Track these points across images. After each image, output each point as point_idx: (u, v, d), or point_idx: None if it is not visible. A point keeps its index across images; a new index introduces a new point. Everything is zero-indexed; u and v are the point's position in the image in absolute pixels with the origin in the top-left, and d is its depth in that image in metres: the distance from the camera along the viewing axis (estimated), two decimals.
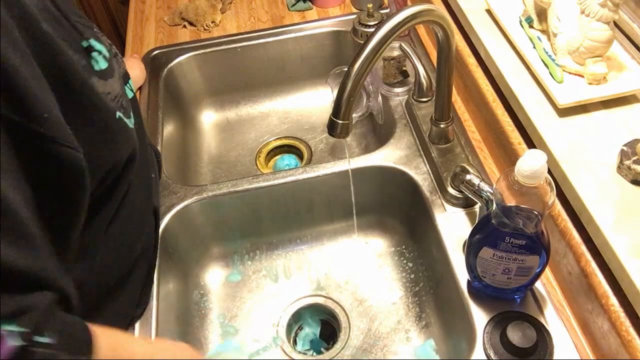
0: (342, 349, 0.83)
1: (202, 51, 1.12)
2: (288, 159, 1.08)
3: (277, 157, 1.11)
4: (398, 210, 0.91)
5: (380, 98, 0.99)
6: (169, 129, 1.00)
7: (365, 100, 1.07)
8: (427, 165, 0.84)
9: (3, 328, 0.41)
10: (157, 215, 0.78)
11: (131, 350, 0.57)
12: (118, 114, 0.56)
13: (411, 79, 0.97)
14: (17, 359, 0.42)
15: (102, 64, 0.56)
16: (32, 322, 0.44)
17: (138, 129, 0.64)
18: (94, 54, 0.55)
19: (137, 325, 0.72)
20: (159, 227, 0.79)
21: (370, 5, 1.03)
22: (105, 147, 0.54)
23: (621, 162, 0.63)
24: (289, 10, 1.20)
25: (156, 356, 0.60)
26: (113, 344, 0.53)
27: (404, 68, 0.97)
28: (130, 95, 0.66)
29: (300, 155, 1.10)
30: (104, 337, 0.51)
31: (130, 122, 0.60)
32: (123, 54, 1.15)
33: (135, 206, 0.63)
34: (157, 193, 0.80)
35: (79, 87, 0.50)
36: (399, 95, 0.96)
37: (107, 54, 0.58)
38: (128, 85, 0.67)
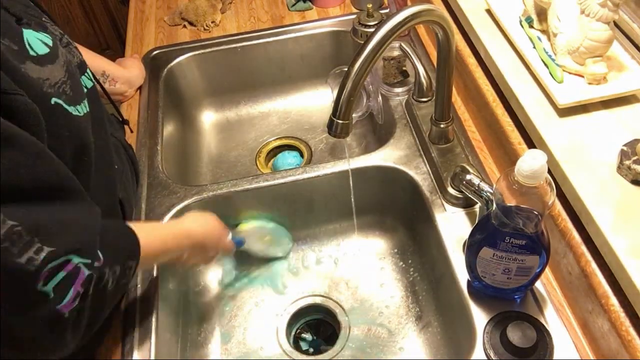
0: (342, 349, 0.83)
1: (202, 51, 1.12)
2: (290, 156, 1.08)
3: (279, 153, 1.11)
4: (398, 210, 0.91)
5: (380, 98, 0.99)
6: (168, 129, 1.00)
7: (365, 100, 1.07)
8: (427, 165, 0.84)
9: (73, 262, 0.49)
10: (123, 207, 0.78)
11: (166, 235, 0.69)
12: (54, 99, 0.57)
13: (411, 79, 0.97)
14: (87, 285, 0.50)
15: (39, 50, 0.57)
16: (93, 249, 0.52)
17: (94, 118, 0.65)
18: (31, 40, 0.57)
19: (137, 325, 0.72)
20: (128, 219, 0.79)
21: (369, 6, 1.03)
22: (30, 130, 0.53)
23: (621, 162, 0.63)
24: (289, 10, 1.20)
25: (192, 231, 0.72)
26: (151, 238, 0.64)
27: (404, 68, 0.97)
28: (88, 84, 0.68)
29: (300, 155, 1.10)
30: (142, 234, 0.61)
31: (75, 110, 0.61)
32: (123, 54, 1.15)
33: (95, 197, 0.61)
34: (126, 185, 0.81)
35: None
36: (399, 95, 0.96)
37: (49, 42, 0.59)
38: (86, 74, 0.69)
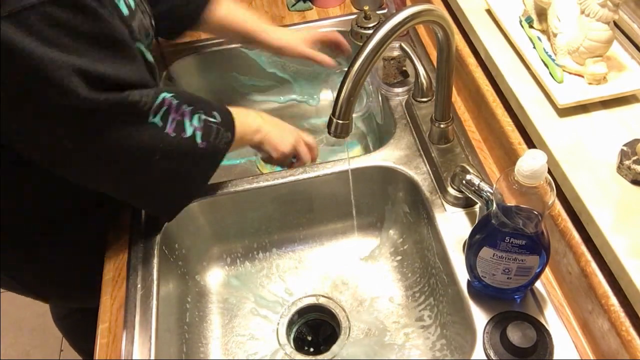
0: (342, 348, 0.83)
1: (202, 51, 1.12)
2: None
3: None
4: (398, 210, 0.91)
5: (380, 98, 0.99)
6: None
7: (365, 100, 1.07)
8: (427, 165, 0.84)
9: (166, 96, 0.69)
10: None
11: (250, 123, 0.83)
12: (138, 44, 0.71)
13: (411, 79, 0.97)
14: (204, 129, 0.73)
15: (124, 11, 0.68)
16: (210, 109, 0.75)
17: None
18: (119, 2, 0.68)
19: (137, 325, 0.72)
20: None
21: (366, 8, 1.03)
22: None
23: (621, 162, 0.63)
24: (289, 10, 1.20)
25: (268, 125, 0.86)
26: (239, 122, 0.79)
27: (403, 68, 0.97)
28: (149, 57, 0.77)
29: None
30: (237, 120, 0.79)
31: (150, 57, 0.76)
32: None
33: None
34: None
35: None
36: (398, 95, 0.96)
37: (132, 4, 0.72)
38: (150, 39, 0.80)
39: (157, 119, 0.68)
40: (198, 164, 0.75)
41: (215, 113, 0.75)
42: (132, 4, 0.72)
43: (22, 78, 0.56)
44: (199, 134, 0.72)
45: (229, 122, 0.77)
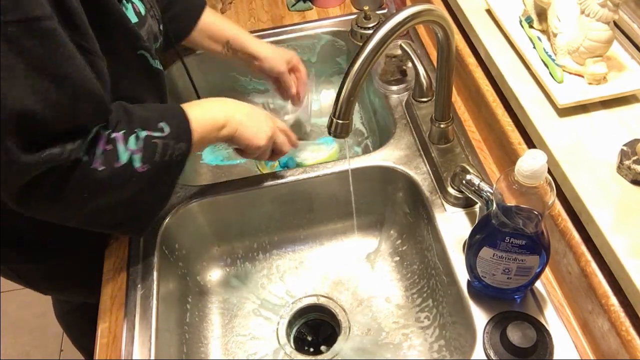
0: (342, 348, 0.83)
1: (202, 52, 1.12)
2: (291, 151, 1.08)
3: None
4: (398, 210, 0.91)
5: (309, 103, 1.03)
6: None
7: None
8: (427, 165, 0.84)
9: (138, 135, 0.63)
10: None
11: (215, 117, 0.73)
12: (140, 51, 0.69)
13: (409, 78, 0.97)
14: (145, 149, 0.63)
15: (132, 19, 0.67)
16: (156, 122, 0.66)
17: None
18: (127, 9, 0.67)
19: (137, 325, 0.72)
20: None
21: (366, 8, 1.03)
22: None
23: (621, 162, 0.63)
24: (289, 10, 1.20)
25: (238, 115, 0.76)
26: (200, 122, 0.70)
27: (403, 67, 0.97)
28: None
29: None
30: (192, 116, 0.69)
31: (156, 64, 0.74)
32: None
33: None
34: None
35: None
36: (393, 93, 0.97)
37: (142, 10, 0.71)
38: (159, 43, 0.81)
39: (81, 155, 0.60)
40: (144, 188, 0.67)
41: (162, 125, 0.66)
42: (143, 10, 0.71)
43: None
44: (136, 157, 0.63)
45: (181, 130, 0.68)
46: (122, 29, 0.64)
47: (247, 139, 0.77)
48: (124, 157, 0.62)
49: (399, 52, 0.94)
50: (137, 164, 0.63)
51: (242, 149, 0.80)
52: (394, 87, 0.97)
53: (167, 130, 0.66)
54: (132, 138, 0.63)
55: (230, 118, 0.75)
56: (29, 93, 0.52)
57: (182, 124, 0.68)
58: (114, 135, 0.62)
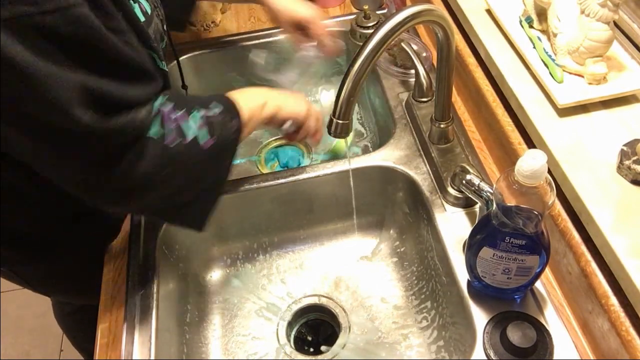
0: (342, 349, 0.83)
1: (202, 51, 1.12)
2: (292, 152, 1.08)
3: (278, 148, 1.11)
4: (398, 210, 0.91)
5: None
6: None
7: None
8: (427, 165, 0.84)
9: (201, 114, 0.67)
10: None
11: (254, 98, 0.77)
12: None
13: (410, 71, 0.97)
14: (207, 126, 0.67)
15: (140, 17, 0.67)
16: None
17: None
18: (135, 9, 0.66)
19: (137, 325, 0.72)
20: None
21: (366, 7, 1.03)
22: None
23: (621, 162, 0.63)
24: None
25: (273, 93, 0.81)
26: (244, 102, 0.74)
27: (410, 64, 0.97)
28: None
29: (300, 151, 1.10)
30: (234, 98, 0.74)
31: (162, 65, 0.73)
32: None
33: None
34: None
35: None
36: (392, 75, 0.99)
37: (148, 10, 0.70)
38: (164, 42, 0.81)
39: (154, 132, 0.63)
40: (209, 165, 0.70)
41: (213, 104, 0.70)
42: (149, 9, 0.71)
43: (19, 93, 0.52)
44: (201, 134, 0.67)
45: (231, 108, 0.72)
46: (134, 28, 0.64)
47: (291, 109, 0.81)
48: (190, 133, 0.66)
49: (415, 47, 0.95)
50: (202, 140, 0.67)
51: (291, 127, 0.83)
52: (395, 69, 0.97)
53: (219, 108, 0.70)
54: (192, 116, 0.67)
55: (268, 97, 0.79)
56: (84, 73, 0.55)
57: (230, 103, 0.72)
58: (176, 114, 0.66)
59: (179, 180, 0.68)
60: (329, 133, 0.64)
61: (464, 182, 0.74)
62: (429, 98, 0.90)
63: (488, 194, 0.69)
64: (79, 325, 1.21)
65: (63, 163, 0.61)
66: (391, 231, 0.94)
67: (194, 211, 0.75)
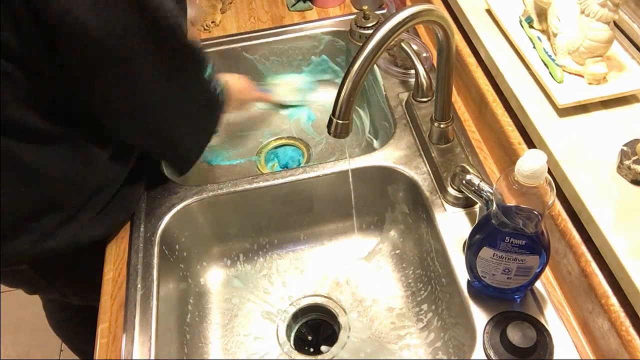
0: (342, 349, 0.83)
1: None
2: (292, 152, 1.08)
3: (278, 148, 1.11)
4: (398, 211, 0.91)
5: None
6: None
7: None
8: (427, 165, 0.84)
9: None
10: None
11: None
12: None
13: (410, 71, 0.97)
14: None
15: None
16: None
17: None
18: None
19: (137, 325, 0.72)
20: None
21: (365, 7, 1.03)
22: None
23: (621, 162, 0.63)
24: (289, 10, 1.20)
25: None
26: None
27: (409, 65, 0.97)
28: None
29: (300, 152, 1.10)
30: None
31: None
32: None
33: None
34: None
35: None
36: (392, 76, 0.99)
37: None
38: None
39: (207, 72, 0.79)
40: (215, 111, 0.84)
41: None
42: None
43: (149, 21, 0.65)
44: (215, 84, 0.82)
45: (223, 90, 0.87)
46: None
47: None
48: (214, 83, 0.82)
49: (416, 48, 0.95)
50: (217, 89, 0.83)
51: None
52: (395, 69, 0.97)
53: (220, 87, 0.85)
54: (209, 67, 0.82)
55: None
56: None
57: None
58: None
59: (199, 114, 0.82)
60: (329, 133, 0.64)
61: (464, 182, 0.74)
62: (429, 98, 0.90)
63: (488, 194, 0.69)
64: (74, 330, 1.22)
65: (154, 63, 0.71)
66: (391, 231, 0.94)
67: (187, 149, 0.84)
